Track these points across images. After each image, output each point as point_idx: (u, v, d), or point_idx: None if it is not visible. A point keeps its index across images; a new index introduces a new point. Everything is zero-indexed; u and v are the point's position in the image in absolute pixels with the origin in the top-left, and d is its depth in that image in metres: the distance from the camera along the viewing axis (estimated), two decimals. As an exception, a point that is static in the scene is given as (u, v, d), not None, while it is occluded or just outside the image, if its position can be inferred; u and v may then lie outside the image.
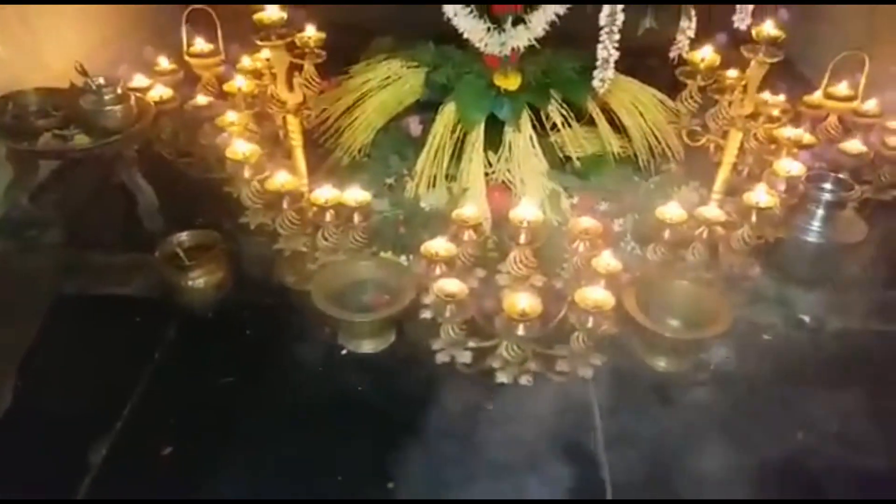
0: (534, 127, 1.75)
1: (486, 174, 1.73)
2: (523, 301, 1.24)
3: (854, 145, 1.71)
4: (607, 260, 1.31)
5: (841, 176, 1.59)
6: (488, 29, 1.63)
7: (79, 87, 1.70)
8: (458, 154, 1.75)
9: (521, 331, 1.22)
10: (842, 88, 1.78)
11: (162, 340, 1.47)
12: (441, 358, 1.35)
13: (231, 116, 1.53)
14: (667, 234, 1.45)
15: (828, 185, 1.56)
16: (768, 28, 1.42)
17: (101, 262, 1.66)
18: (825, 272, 1.59)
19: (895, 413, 1.33)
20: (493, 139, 1.75)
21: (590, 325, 1.23)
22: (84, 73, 1.70)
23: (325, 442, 1.26)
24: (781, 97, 1.62)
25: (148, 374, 1.39)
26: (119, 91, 1.68)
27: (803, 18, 1.93)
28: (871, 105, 1.82)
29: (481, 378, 1.34)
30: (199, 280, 1.50)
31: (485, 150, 1.74)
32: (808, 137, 1.58)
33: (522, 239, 1.33)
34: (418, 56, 1.86)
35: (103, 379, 1.38)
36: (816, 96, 1.86)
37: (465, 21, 1.64)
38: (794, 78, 2.19)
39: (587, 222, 1.42)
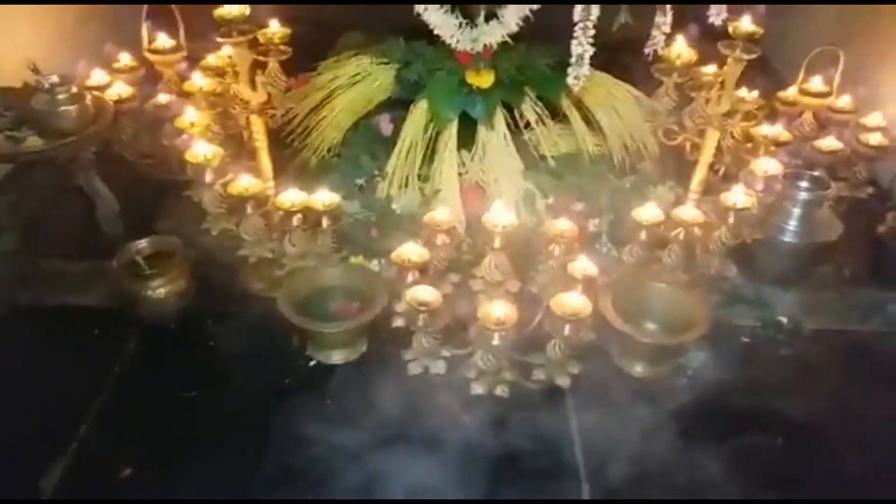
0: (507, 125, 1.71)
1: (460, 174, 1.69)
2: (498, 310, 1.19)
3: (829, 142, 1.70)
4: (584, 264, 1.27)
5: (817, 174, 1.57)
6: (460, 25, 1.58)
7: (31, 85, 1.62)
8: (430, 154, 1.70)
9: (496, 340, 1.18)
10: (816, 84, 1.76)
11: (121, 353, 1.40)
12: (414, 369, 1.30)
13: (191, 116, 1.46)
14: (643, 235, 1.43)
15: (804, 184, 1.53)
16: (745, 24, 1.39)
17: (58, 270, 1.59)
18: (802, 272, 1.57)
19: (874, 415, 1.32)
20: (467, 138, 1.70)
21: (566, 332, 1.19)
22: (36, 70, 1.62)
23: (294, 459, 1.21)
24: (755, 94, 1.59)
25: (107, 388, 1.33)
26: (74, 90, 1.60)
27: (775, 13, 1.92)
28: (845, 101, 1.81)
29: (456, 388, 1.29)
30: (160, 289, 1.43)
31: (458, 149, 1.70)
32: (784, 135, 1.55)
33: (497, 244, 1.29)
34: (388, 52, 1.80)
35: (58, 395, 1.32)
36: (791, 92, 1.84)
37: (436, 16, 1.59)
38: (767, 73, 2.18)
39: (563, 225, 1.38)
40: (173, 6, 1.78)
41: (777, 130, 1.53)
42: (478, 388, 1.28)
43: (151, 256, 1.48)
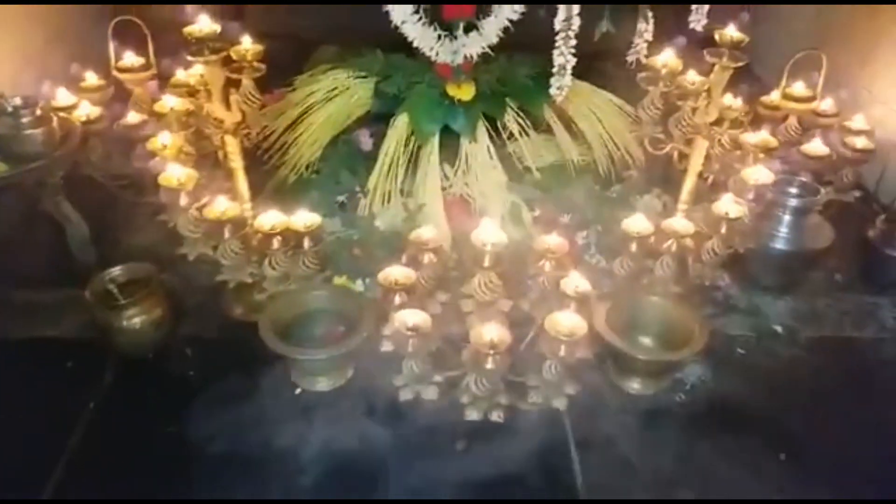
0: (490, 137, 1.68)
1: (444, 188, 1.65)
2: (491, 332, 1.15)
3: (815, 147, 1.68)
4: (576, 281, 1.23)
5: (805, 179, 1.55)
6: (439, 37, 1.55)
7: (-7, 108, 1.55)
8: (412, 168, 1.66)
9: (489, 364, 1.14)
10: (799, 88, 1.74)
11: (97, 387, 1.34)
12: (404, 395, 1.25)
13: (164, 138, 1.41)
14: (634, 247, 1.40)
15: (794, 190, 1.52)
16: (731, 32, 1.37)
17: (27, 301, 1.53)
18: (795, 279, 1.56)
19: (874, 423, 1.30)
20: (449, 151, 1.67)
21: (562, 353, 1.15)
22: (-2, 93, 1.55)
23: (282, 495, 1.16)
24: (739, 100, 1.57)
25: (82, 425, 1.27)
26: (39, 112, 1.54)
27: (753, 19, 1.91)
28: (827, 105, 1.80)
29: (449, 414, 1.25)
30: (135, 319, 1.36)
31: (441, 163, 1.66)
32: (773, 142, 1.53)
33: (486, 263, 1.24)
34: (366, 66, 1.77)
35: (31, 434, 1.26)
36: (774, 97, 1.82)
37: (414, 28, 1.55)
38: (748, 79, 2.16)
39: (552, 240, 1.34)
40: (141, 23, 1.72)
41: (765, 137, 1.51)
42: (472, 414, 1.24)
43: (126, 284, 1.42)
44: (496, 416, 1.24)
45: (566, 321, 1.16)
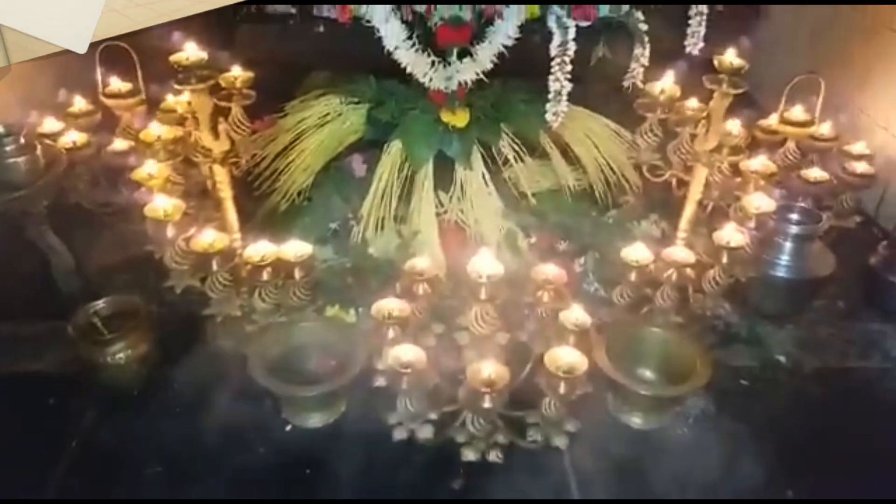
0: (485, 163, 1.65)
1: (438, 215, 1.62)
2: (488, 369, 1.11)
3: (815, 172, 1.65)
4: (576, 314, 1.19)
5: (806, 206, 1.53)
6: (433, 63, 1.52)
7: (-25, 137, 1.51)
8: (406, 194, 1.63)
9: (487, 402, 1.09)
10: (797, 113, 1.72)
11: (79, 425, 1.30)
12: (398, 435, 1.21)
13: (150, 168, 1.37)
14: (633, 276, 1.36)
15: (796, 217, 1.49)
16: (730, 57, 1.34)
17: (8, 334, 1.49)
18: (797, 308, 1.52)
19: (880, 456, 1.26)
20: (444, 178, 1.64)
21: (562, 390, 1.11)
22: (-20, 121, 1.52)
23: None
24: (739, 125, 1.55)
25: (63, 465, 1.23)
26: (22, 140, 1.50)
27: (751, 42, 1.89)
28: (825, 129, 1.77)
29: (445, 453, 1.20)
30: (120, 354, 1.32)
31: (435, 189, 1.63)
32: (773, 168, 1.50)
33: (482, 295, 1.20)
34: (358, 92, 1.74)
35: (9, 474, 1.21)
36: (771, 121, 1.80)
37: (407, 55, 1.52)
38: (746, 102, 2.14)
39: (550, 270, 1.30)
40: (130, 49, 1.69)
41: (765, 163, 1.48)
42: (469, 455, 1.19)
43: (110, 318, 1.39)
44: (494, 457, 1.20)
45: (566, 357, 1.12)
